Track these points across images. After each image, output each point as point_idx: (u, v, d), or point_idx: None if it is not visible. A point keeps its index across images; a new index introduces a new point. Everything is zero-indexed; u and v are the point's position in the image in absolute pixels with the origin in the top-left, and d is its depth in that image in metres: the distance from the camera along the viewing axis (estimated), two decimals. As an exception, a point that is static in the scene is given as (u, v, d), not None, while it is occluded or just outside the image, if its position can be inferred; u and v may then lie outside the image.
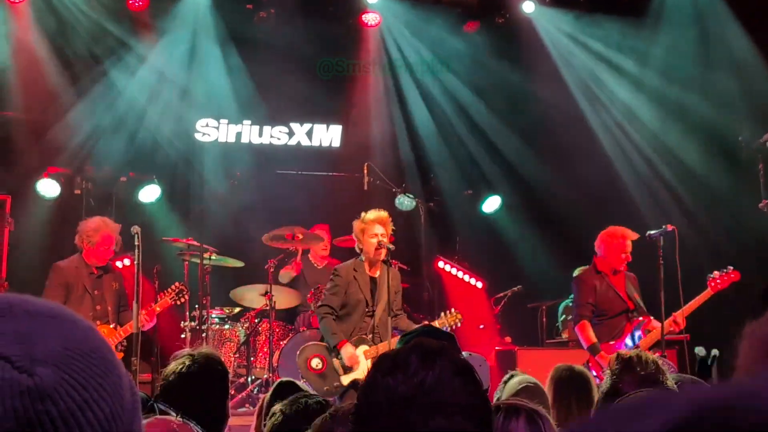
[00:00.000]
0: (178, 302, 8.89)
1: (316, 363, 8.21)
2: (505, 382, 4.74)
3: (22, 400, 0.95)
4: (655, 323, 8.38)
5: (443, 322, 8.29)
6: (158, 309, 8.61)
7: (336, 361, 8.13)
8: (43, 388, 0.96)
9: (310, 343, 8.42)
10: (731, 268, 8.60)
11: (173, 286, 8.84)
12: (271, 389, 3.96)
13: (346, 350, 8.06)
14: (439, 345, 1.87)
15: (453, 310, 8.51)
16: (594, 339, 8.51)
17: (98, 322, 8.40)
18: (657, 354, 7.94)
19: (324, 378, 8.14)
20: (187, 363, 3.55)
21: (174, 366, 3.59)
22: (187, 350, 3.68)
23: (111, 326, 8.56)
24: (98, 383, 1.00)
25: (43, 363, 0.98)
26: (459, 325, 8.44)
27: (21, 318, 1.03)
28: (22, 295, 1.06)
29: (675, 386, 3.77)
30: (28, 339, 1.00)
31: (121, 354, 8.15)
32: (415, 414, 1.72)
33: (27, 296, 1.06)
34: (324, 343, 8.28)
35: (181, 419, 2.93)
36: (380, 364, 1.83)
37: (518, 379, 4.72)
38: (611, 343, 8.48)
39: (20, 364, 0.97)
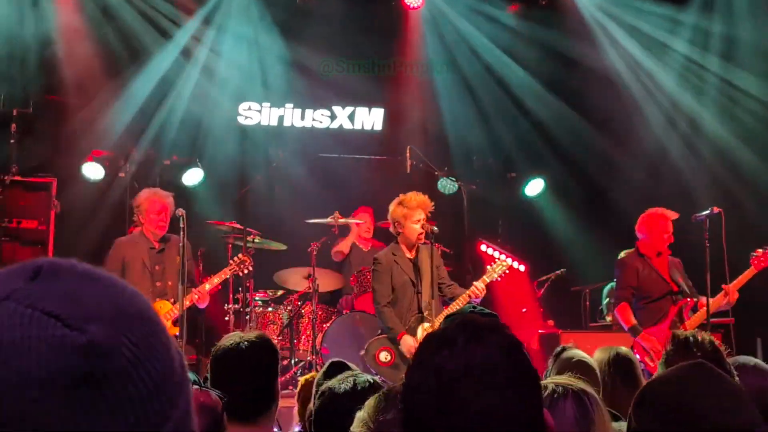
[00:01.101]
0: (241, 273, 8.71)
1: (384, 356, 8.24)
2: (557, 356, 4.68)
3: (77, 356, 0.95)
4: (704, 302, 8.23)
5: (491, 274, 8.28)
6: (217, 281, 8.40)
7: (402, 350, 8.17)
8: (96, 344, 0.97)
9: (375, 338, 8.41)
10: None
11: (235, 258, 8.66)
12: (322, 369, 3.96)
13: (405, 342, 8.07)
14: (487, 321, 1.85)
15: (498, 259, 8.55)
16: (633, 321, 8.42)
17: (157, 300, 8.26)
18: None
19: (396, 368, 8.12)
20: (239, 341, 3.56)
21: (225, 342, 3.60)
22: (238, 332, 3.70)
23: (170, 302, 8.37)
24: (149, 342, 1.01)
25: (93, 320, 0.98)
26: (506, 272, 8.43)
27: (68, 280, 1.03)
28: (69, 259, 1.06)
29: (734, 369, 3.68)
30: (77, 299, 1.00)
31: (177, 329, 7.94)
32: (464, 390, 1.70)
33: (73, 260, 1.06)
34: (386, 335, 8.29)
35: (199, 388, 2.91)
36: (427, 343, 1.80)
37: (570, 353, 4.66)
38: (654, 326, 8.38)
39: (71, 322, 0.97)
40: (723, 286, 8.25)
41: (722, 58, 11.77)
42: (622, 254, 9.90)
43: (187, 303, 8.00)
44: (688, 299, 8.40)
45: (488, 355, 1.74)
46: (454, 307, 7.99)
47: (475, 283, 8.21)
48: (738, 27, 11.53)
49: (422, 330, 8.07)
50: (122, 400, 0.96)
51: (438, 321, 7.92)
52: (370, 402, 2.42)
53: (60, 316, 0.97)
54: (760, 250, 8.39)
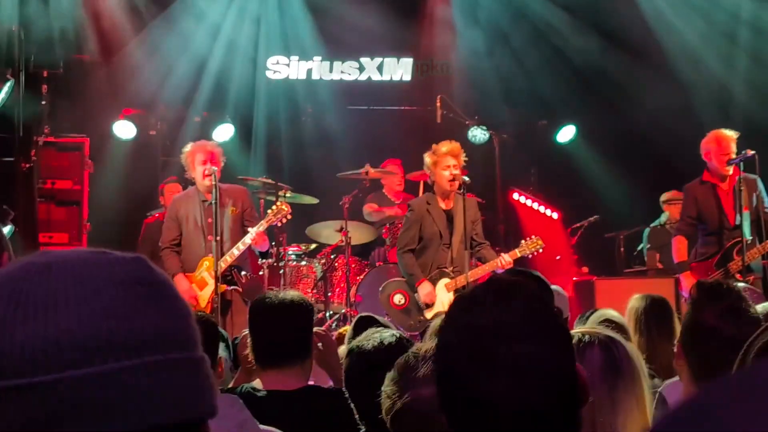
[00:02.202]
0: (280, 223, 8.36)
1: (398, 299, 8.27)
2: (586, 318, 4.68)
3: (138, 265, 1.12)
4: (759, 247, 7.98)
5: (523, 249, 8.22)
6: (261, 229, 8.00)
7: (418, 296, 8.18)
8: (146, 261, 1.14)
9: (392, 279, 8.45)
10: None
11: (274, 207, 8.29)
12: (350, 325, 4.01)
13: (423, 288, 8.08)
14: (513, 280, 1.90)
15: (533, 237, 8.38)
16: (682, 257, 8.24)
17: (210, 255, 7.94)
18: (750, 279, 7.78)
19: (407, 313, 8.18)
20: (275, 296, 3.67)
21: (264, 296, 3.72)
22: (276, 291, 3.79)
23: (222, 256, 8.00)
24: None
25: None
26: (540, 251, 8.34)
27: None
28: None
29: (762, 316, 3.65)
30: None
31: (224, 286, 7.91)
32: (496, 344, 1.75)
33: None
34: (405, 279, 8.31)
35: None
36: (458, 303, 1.88)
37: (599, 313, 4.66)
38: (705, 261, 8.20)
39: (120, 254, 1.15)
40: None
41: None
42: (665, 195, 9.79)
43: (237, 251, 7.90)
44: (743, 239, 7.94)
45: (517, 311, 1.79)
46: (478, 272, 7.97)
47: (503, 255, 8.15)
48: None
49: (442, 285, 8.09)
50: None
51: (461, 279, 7.92)
52: (400, 361, 2.45)
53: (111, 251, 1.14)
54: None
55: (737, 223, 8.01)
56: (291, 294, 3.70)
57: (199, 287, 8.04)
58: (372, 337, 3.10)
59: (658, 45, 12.14)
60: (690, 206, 8.37)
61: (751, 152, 7.95)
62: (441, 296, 8.10)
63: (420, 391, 2.36)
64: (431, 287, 8.07)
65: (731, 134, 8.16)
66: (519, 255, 8.22)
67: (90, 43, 11.20)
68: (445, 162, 8.06)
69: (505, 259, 8.03)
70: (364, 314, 4.18)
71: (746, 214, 8.00)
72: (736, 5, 11.78)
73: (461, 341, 1.79)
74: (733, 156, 8.07)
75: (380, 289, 8.43)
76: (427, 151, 8.22)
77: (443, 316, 1.95)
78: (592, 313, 4.73)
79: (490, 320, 1.77)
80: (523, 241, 8.36)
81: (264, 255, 8.63)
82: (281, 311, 3.61)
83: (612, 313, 4.66)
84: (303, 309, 3.66)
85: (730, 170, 8.14)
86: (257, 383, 3.63)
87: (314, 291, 10.14)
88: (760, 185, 8.21)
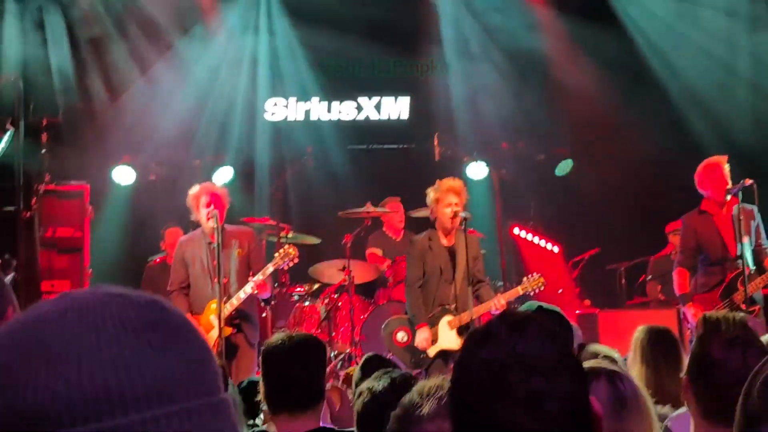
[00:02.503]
0: (287, 266, 8.32)
1: (401, 336, 8.25)
2: (579, 351, 4.69)
3: (152, 309, 1.11)
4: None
5: (525, 287, 8.19)
6: (261, 278, 7.92)
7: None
8: (162, 303, 1.12)
9: (395, 316, 8.44)
10: None
11: (281, 250, 8.17)
12: (358, 365, 4.02)
13: (422, 333, 8.06)
14: (526, 313, 1.93)
15: (535, 274, 8.35)
16: (684, 288, 8.18)
17: (213, 299, 7.92)
18: (754, 310, 7.77)
19: (410, 350, 8.16)
20: (286, 337, 3.68)
21: (275, 338, 3.72)
22: (286, 331, 3.81)
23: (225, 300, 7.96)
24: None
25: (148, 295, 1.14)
26: (542, 288, 8.31)
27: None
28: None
29: None
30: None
31: (230, 330, 7.87)
32: (511, 378, 1.77)
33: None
34: (408, 316, 8.30)
35: None
36: (472, 338, 1.90)
37: (594, 348, 4.67)
38: (709, 293, 8.14)
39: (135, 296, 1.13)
40: None
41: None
42: (670, 226, 9.78)
43: (243, 295, 7.89)
44: (744, 267, 7.87)
45: (531, 344, 1.81)
46: (478, 309, 7.98)
47: (499, 296, 8.14)
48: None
49: (445, 323, 8.08)
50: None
51: (465, 316, 7.91)
52: (404, 399, 2.47)
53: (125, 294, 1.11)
54: None
55: (738, 253, 7.99)
56: (301, 334, 3.72)
57: (206, 330, 8.03)
58: (382, 378, 3.11)
59: (654, 76, 12.23)
60: (689, 238, 8.34)
61: (749, 181, 7.93)
62: (443, 334, 8.08)
63: (424, 427, 2.37)
64: (429, 333, 8.06)
65: (722, 160, 8.18)
66: (521, 292, 8.19)
67: (89, 90, 11.27)
68: (447, 199, 8.08)
69: (500, 302, 8.01)
70: (371, 354, 4.18)
71: (746, 244, 7.99)
72: (732, 35, 11.87)
73: (477, 374, 1.81)
74: (728, 181, 8.08)
75: (383, 326, 8.42)
76: (430, 188, 8.25)
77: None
78: (583, 347, 4.73)
79: (505, 353, 1.79)
80: (525, 279, 8.33)
81: (266, 301, 8.59)
82: (292, 352, 3.61)
83: (600, 348, 4.67)
84: (315, 348, 3.67)
85: (728, 197, 8.15)
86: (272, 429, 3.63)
87: (318, 331, 10.12)
88: (758, 216, 8.21)
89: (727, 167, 8.15)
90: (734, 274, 8.00)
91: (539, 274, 8.30)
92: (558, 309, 3.66)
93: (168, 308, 1.12)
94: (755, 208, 8.15)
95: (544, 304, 3.68)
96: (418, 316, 8.11)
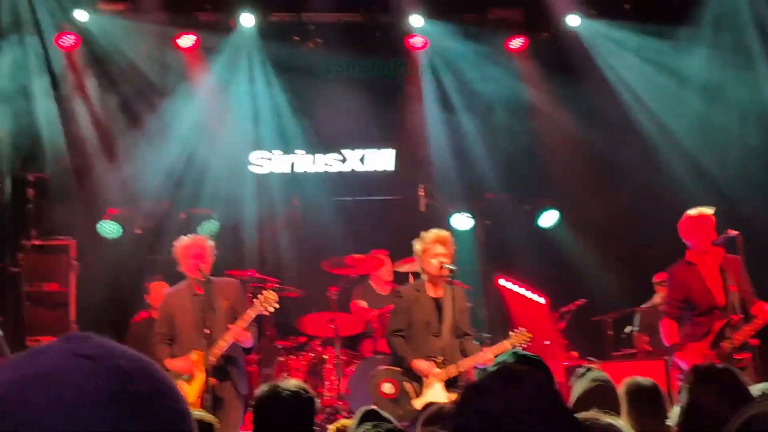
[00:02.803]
0: (267, 311, 8.16)
1: (387, 388, 8.20)
2: (579, 376, 4.72)
3: (115, 378, 1.08)
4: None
5: (512, 341, 8.15)
6: (242, 324, 7.85)
7: (408, 385, 8.10)
8: (128, 370, 1.10)
9: (381, 368, 8.41)
10: None
11: (259, 296, 8.07)
12: (355, 419, 4.00)
13: (418, 365, 8.02)
14: (521, 367, 1.97)
15: (522, 328, 8.32)
16: (674, 339, 8.20)
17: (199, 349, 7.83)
18: (743, 358, 7.80)
19: (396, 403, 8.10)
20: (276, 389, 3.65)
21: (264, 390, 3.70)
22: (272, 383, 3.78)
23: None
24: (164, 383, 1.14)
25: (120, 357, 1.12)
26: (528, 343, 8.30)
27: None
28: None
29: (759, 396, 3.67)
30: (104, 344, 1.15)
31: (214, 381, 7.78)
32: (509, 426, 1.81)
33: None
34: (395, 368, 8.25)
35: None
36: (468, 391, 1.94)
37: (592, 375, 4.71)
38: (698, 342, 8.15)
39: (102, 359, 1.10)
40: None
41: (715, 84, 11.90)
42: (657, 277, 9.83)
43: (224, 343, 7.85)
44: (733, 316, 7.96)
45: (527, 398, 1.85)
46: (464, 363, 7.96)
47: (486, 350, 8.12)
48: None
49: (431, 375, 8.05)
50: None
51: (452, 369, 7.89)
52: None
53: (92, 356, 1.10)
54: None
55: (726, 302, 8.04)
56: (293, 383, 3.69)
57: (188, 382, 7.99)
58: (376, 429, 3.11)
59: (638, 126, 12.37)
60: (677, 289, 8.37)
61: (733, 232, 8.02)
62: (430, 387, 8.04)
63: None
64: (427, 361, 8.03)
65: (708, 211, 8.24)
66: (508, 347, 8.14)
67: (75, 146, 11.32)
68: (433, 250, 8.10)
69: (487, 356, 7.99)
70: (367, 408, 4.16)
71: (733, 293, 8.04)
72: (705, 84, 12.03)
73: (474, 425, 1.85)
74: (713, 231, 8.15)
75: (369, 378, 8.37)
76: (416, 239, 8.27)
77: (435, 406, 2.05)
78: (587, 370, 4.77)
79: (501, 405, 1.83)
80: (511, 333, 8.28)
81: (248, 351, 8.53)
82: (286, 402, 3.59)
83: (603, 376, 4.73)
84: (306, 401, 3.66)
85: (708, 244, 8.21)
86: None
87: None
88: (743, 266, 8.26)
89: (712, 218, 8.22)
90: (722, 323, 8.03)
91: (526, 329, 8.26)
92: (538, 356, 3.68)
93: (137, 376, 1.10)
94: (740, 258, 8.20)
95: (522, 351, 3.69)
96: (409, 356, 8.07)
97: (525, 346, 8.17)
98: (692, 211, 8.28)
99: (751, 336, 8.02)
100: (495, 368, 1.97)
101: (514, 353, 3.61)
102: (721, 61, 11.79)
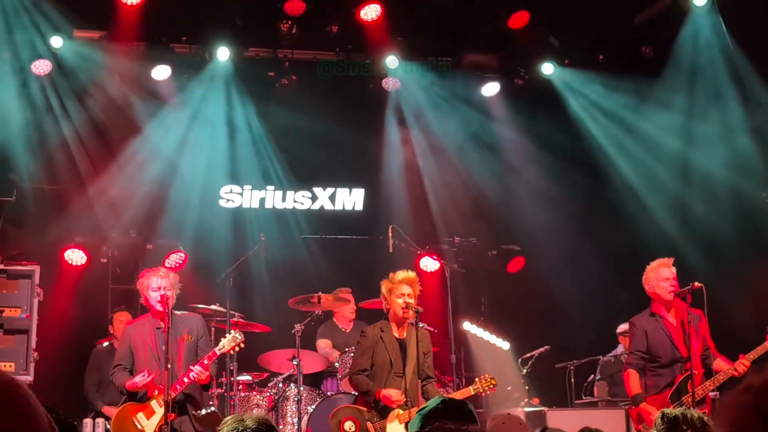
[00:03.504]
0: (233, 351, 8.25)
1: (348, 426, 8.14)
2: None
3: None
4: (719, 367, 8.05)
5: (477, 388, 8.12)
6: (206, 362, 7.89)
7: (369, 425, 8.05)
8: None
9: (342, 406, 8.36)
10: None
11: (227, 335, 8.13)
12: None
13: (388, 391, 7.96)
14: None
15: (487, 375, 8.29)
16: (636, 390, 8.25)
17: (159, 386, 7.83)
18: (704, 411, 7.84)
19: (359, 441, 8.04)
20: (240, 427, 3.60)
21: (227, 423, 3.65)
22: (236, 415, 3.72)
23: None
24: None
25: None
26: (492, 390, 8.28)
27: None
28: None
29: None
30: None
31: (173, 416, 7.74)
32: None
33: None
34: (356, 406, 8.20)
35: None
36: None
37: None
38: (659, 394, 8.24)
39: None
40: (742, 357, 8.09)
41: (685, 135, 12.03)
42: (621, 327, 9.91)
43: (187, 380, 7.79)
44: (695, 370, 8.03)
45: None
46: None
47: (455, 393, 8.11)
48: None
49: (394, 416, 8.01)
50: None
51: (414, 412, 7.84)
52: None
53: None
54: None
55: (688, 355, 8.09)
56: (256, 417, 3.65)
57: (147, 416, 7.91)
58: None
59: (606, 174, 12.47)
60: (640, 340, 8.42)
61: (698, 285, 8.08)
62: (392, 428, 8.01)
63: None
64: (395, 390, 7.98)
65: (669, 263, 8.33)
66: (472, 393, 8.14)
67: (43, 171, 11.24)
68: (399, 290, 8.10)
69: None
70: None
71: (696, 346, 8.11)
72: (677, 134, 12.17)
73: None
74: (677, 284, 8.22)
75: (330, 415, 8.31)
76: (384, 279, 8.26)
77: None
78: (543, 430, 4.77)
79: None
80: (477, 380, 8.24)
81: (206, 387, 8.45)
82: None
83: None
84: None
85: (671, 296, 8.29)
86: None
87: (265, 421, 9.97)
88: (705, 320, 8.31)
89: (673, 270, 8.29)
90: (684, 376, 8.08)
91: (491, 376, 8.26)
92: (468, 405, 3.69)
93: None
94: (702, 312, 8.25)
95: (448, 398, 3.70)
96: (372, 389, 8.02)
97: (489, 391, 8.17)
98: (654, 264, 8.37)
99: (711, 390, 8.06)
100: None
101: (445, 401, 3.63)
102: (692, 114, 11.93)
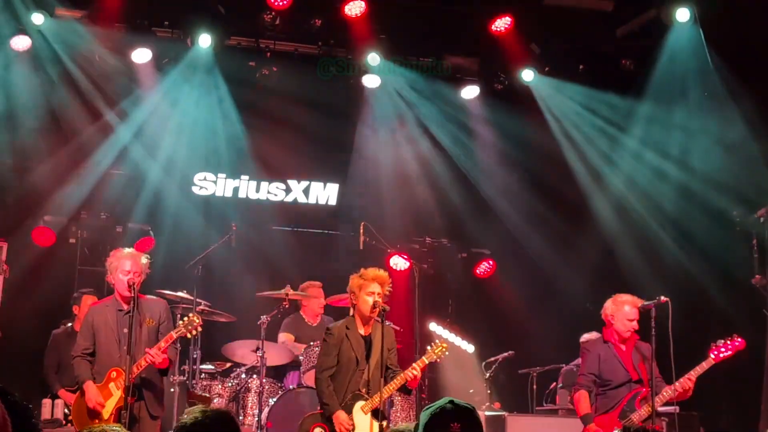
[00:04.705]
0: (190, 335, 8.08)
1: (318, 432, 8.12)
2: None
3: None
4: (665, 392, 8.17)
5: (430, 356, 8.07)
6: (163, 344, 7.81)
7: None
8: None
9: (310, 414, 8.30)
10: (736, 336, 8.26)
11: (185, 318, 8.01)
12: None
13: (338, 418, 7.93)
14: None
15: (438, 341, 8.28)
16: (586, 410, 8.39)
17: (119, 367, 7.79)
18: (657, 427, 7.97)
19: (327, 447, 8.01)
20: (200, 417, 3.56)
21: (189, 415, 3.61)
22: (199, 406, 3.69)
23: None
24: None
25: None
26: (446, 354, 8.20)
27: None
28: None
29: None
30: None
31: (132, 399, 7.67)
32: None
33: None
34: (321, 411, 8.15)
35: None
36: None
37: None
38: (607, 414, 8.36)
39: None
40: (687, 374, 8.18)
41: (661, 149, 12.11)
42: (584, 337, 9.98)
43: (144, 362, 7.75)
44: (642, 389, 8.25)
45: None
46: (391, 388, 7.95)
47: (414, 364, 8.09)
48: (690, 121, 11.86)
49: (358, 408, 8.00)
50: None
51: (377, 399, 7.83)
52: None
53: None
54: (722, 341, 8.28)
55: (638, 378, 8.28)
56: (215, 411, 3.61)
57: (104, 398, 7.87)
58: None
59: (580, 184, 12.53)
60: (593, 363, 8.57)
61: (664, 299, 8.16)
62: (358, 420, 8.00)
63: None
64: (346, 415, 7.97)
65: (633, 299, 8.45)
66: (427, 362, 8.14)
67: (14, 148, 11.16)
68: (370, 288, 8.07)
69: (411, 374, 7.96)
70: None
71: (644, 371, 8.27)
72: (648, 146, 12.27)
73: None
74: (636, 318, 8.38)
75: (299, 423, 8.27)
76: (354, 274, 8.23)
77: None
78: None
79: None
80: (428, 348, 8.25)
81: (163, 372, 8.40)
82: (208, 428, 3.50)
83: None
84: (230, 426, 3.58)
85: (628, 334, 8.47)
86: None
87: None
88: (652, 353, 8.40)
89: (637, 306, 8.40)
90: (632, 394, 8.25)
91: (441, 341, 8.25)
92: (471, 406, 3.67)
93: None
94: (651, 346, 8.35)
95: (457, 400, 3.67)
96: (332, 405, 8.01)
97: (442, 356, 8.14)
98: (622, 298, 8.50)
99: (657, 408, 8.16)
100: None
101: (449, 400, 3.61)
102: (670, 127, 12.01)
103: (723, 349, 8.19)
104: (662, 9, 11.34)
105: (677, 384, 8.10)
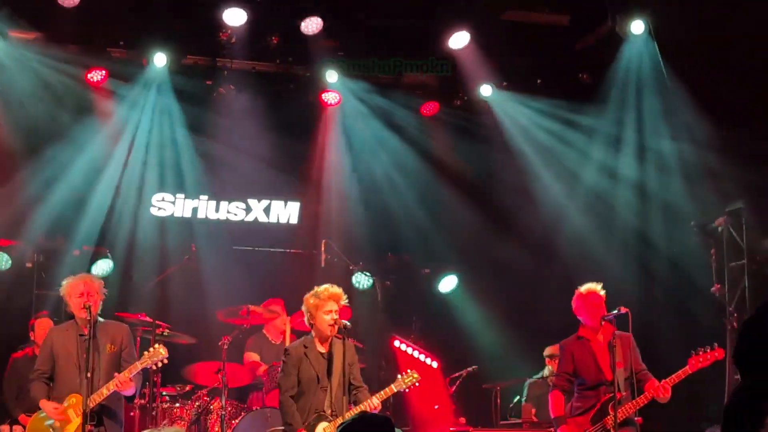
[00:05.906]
0: (155, 366, 8.04)
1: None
2: None
3: None
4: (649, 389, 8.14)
5: (399, 384, 8.03)
6: (128, 375, 7.71)
7: None
8: None
9: (274, 430, 8.22)
10: (716, 345, 8.18)
11: (150, 349, 7.92)
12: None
13: None
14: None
15: (409, 370, 8.23)
16: (559, 412, 8.33)
17: (75, 394, 7.74)
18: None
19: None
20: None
21: None
22: (152, 429, 3.63)
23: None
24: None
25: None
26: (417, 384, 8.17)
27: None
28: None
29: None
30: None
31: (90, 426, 7.57)
32: None
33: None
34: (286, 429, 8.07)
35: None
36: None
37: None
38: (581, 416, 8.29)
39: None
40: (664, 381, 8.15)
41: (618, 157, 12.20)
42: (548, 350, 9.96)
43: (107, 391, 7.64)
44: (616, 393, 8.04)
45: None
46: (349, 414, 7.85)
47: (373, 398, 8.02)
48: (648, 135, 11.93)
49: (321, 429, 7.92)
50: None
51: (340, 421, 7.75)
52: None
53: None
54: (701, 350, 8.27)
55: (613, 379, 8.14)
56: (174, 431, 3.57)
57: (65, 424, 7.76)
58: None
59: (540, 196, 12.57)
60: (567, 362, 8.50)
61: (624, 309, 8.16)
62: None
63: None
64: None
65: (597, 288, 8.41)
66: (395, 390, 8.07)
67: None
68: (327, 306, 7.99)
69: (374, 403, 7.91)
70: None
71: (620, 370, 8.16)
72: (605, 161, 12.34)
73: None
74: (604, 307, 8.31)
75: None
76: (308, 293, 8.14)
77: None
78: None
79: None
80: (399, 376, 8.19)
81: (130, 399, 8.29)
82: None
83: None
84: None
85: (603, 322, 8.33)
86: None
87: (187, 434, 9.84)
88: (633, 342, 8.39)
89: (602, 293, 8.37)
90: (607, 398, 8.15)
91: (413, 370, 8.20)
92: (390, 421, 3.63)
93: None
94: (631, 335, 8.32)
95: (369, 413, 3.66)
96: (295, 425, 7.93)
97: (413, 386, 8.09)
98: (583, 288, 8.45)
99: (633, 412, 8.13)
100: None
101: (363, 415, 3.57)
102: (624, 141, 12.09)
103: (701, 359, 8.17)
104: (617, 22, 11.39)
105: (652, 393, 8.09)
